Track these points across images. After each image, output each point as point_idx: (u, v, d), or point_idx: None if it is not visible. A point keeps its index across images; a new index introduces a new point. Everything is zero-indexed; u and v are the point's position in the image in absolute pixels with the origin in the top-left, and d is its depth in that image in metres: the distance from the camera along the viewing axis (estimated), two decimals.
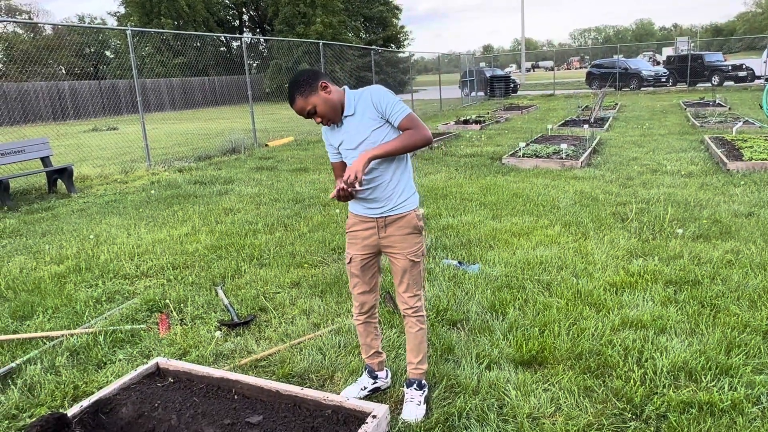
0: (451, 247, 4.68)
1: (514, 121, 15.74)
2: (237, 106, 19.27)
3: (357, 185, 2.15)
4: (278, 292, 3.92)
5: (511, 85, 28.36)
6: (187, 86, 31.47)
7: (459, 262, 4.25)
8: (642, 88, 26.54)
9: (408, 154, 2.31)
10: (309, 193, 7.09)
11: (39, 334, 3.35)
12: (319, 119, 2.23)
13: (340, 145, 2.32)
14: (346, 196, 2.22)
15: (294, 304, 3.71)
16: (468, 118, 15.61)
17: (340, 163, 2.39)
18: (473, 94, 26.56)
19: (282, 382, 2.64)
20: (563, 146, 8.82)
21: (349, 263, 2.47)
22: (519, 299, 3.60)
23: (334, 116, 2.24)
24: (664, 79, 26.70)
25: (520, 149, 9.13)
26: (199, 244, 5.05)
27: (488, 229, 5.16)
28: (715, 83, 25.98)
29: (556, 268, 4.12)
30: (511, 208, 5.85)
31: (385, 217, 2.36)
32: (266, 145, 12.31)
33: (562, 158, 8.43)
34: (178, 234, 5.41)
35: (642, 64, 27.74)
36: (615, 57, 28.34)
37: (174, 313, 3.64)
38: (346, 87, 2.30)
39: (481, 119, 15.37)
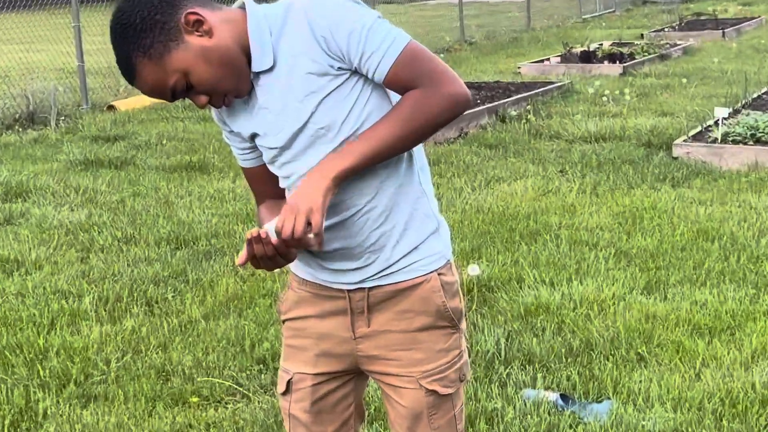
0: (543, 359, 4.72)
1: (701, 56, 15.78)
2: (41, 13, 18.71)
3: (314, 241, 2.29)
4: None
5: None
6: None
7: (562, 396, 4.32)
8: None
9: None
10: (209, 224, 7.11)
11: None
12: (203, 99, 2.37)
13: (254, 137, 2.48)
14: (274, 258, 2.34)
15: None
16: (593, 48, 15.50)
17: (260, 169, 2.55)
18: None
19: None
20: None
21: (284, 393, 2.62)
22: None
23: (231, 83, 2.37)
24: None
25: (716, 124, 9.14)
26: None
27: (634, 315, 5.17)
28: None
29: None
30: (692, 267, 5.86)
31: (369, 288, 2.47)
32: (110, 107, 12.32)
33: None
34: None
35: None
36: None
37: None
38: (246, 1, 2.40)
39: (624, 51, 15.26)
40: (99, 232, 6.95)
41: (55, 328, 5.25)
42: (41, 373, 4.70)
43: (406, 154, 2.42)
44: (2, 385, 4.56)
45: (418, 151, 2.48)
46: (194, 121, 11.32)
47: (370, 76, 2.30)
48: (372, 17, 2.27)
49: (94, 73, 13.22)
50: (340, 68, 2.30)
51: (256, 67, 2.33)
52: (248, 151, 2.51)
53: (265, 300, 5.54)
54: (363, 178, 2.36)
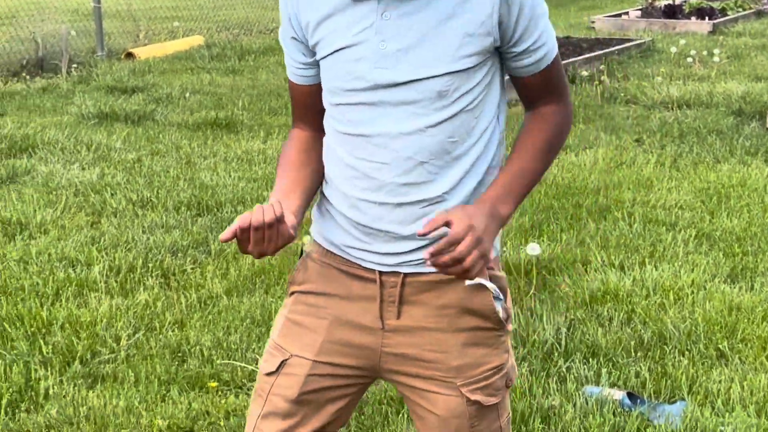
0: (608, 352, 4.64)
1: None
2: None
3: (480, 275, 2.31)
4: None
5: None
6: None
7: (629, 395, 4.28)
8: None
9: (503, 103, 2.48)
10: (235, 189, 7.07)
11: None
12: None
13: (338, 51, 2.36)
14: (272, 243, 2.30)
15: None
16: (679, 1, 15.48)
17: (310, 89, 2.49)
18: None
19: None
20: None
21: (270, 374, 2.56)
22: None
23: None
24: None
25: None
26: None
27: (715, 306, 5.05)
28: None
29: None
30: None
31: (405, 275, 2.41)
32: (129, 55, 12.42)
33: None
34: None
35: None
36: None
37: None
38: None
39: (715, 6, 15.18)
40: (112, 194, 6.88)
41: (60, 300, 5.19)
42: (43, 348, 4.66)
43: (497, 97, 2.38)
44: (0, 361, 4.53)
45: (504, 105, 2.47)
46: (222, 73, 11.32)
47: (518, 64, 2.34)
48: (546, 11, 2.37)
49: (112, 15, 13.25)
50: (486, 45, 2.28)
51: None
52: (306, 67, 2.45)
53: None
54: (450, 165, 2.32)
